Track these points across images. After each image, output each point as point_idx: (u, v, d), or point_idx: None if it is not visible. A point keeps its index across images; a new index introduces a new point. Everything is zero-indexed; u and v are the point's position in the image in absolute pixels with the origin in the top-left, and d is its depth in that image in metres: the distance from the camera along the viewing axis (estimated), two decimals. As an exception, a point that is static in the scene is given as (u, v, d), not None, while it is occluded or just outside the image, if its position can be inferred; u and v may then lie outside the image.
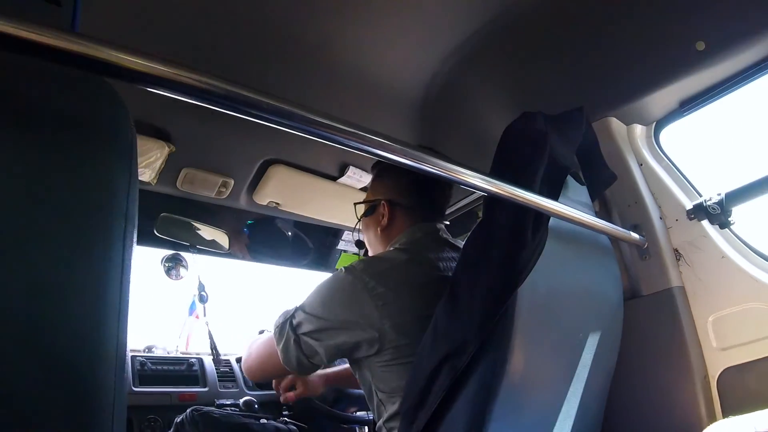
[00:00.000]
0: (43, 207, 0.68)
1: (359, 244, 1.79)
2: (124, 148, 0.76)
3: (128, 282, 0.74)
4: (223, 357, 2.53)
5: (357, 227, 1.73)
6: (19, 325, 0.63)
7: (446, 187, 1.68)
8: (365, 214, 1.69)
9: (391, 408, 1.41)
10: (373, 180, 1.73)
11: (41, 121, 0.68)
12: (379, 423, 1.47)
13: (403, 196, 1.62)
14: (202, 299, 2.30)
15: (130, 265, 0.75)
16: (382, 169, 1.69)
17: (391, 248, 1.58)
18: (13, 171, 0.65)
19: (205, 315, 2.29)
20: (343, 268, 1.46)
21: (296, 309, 1.46)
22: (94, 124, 0.74)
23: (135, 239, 0.76)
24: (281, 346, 1.44)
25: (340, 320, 1.39)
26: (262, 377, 1.68)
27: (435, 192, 1.66)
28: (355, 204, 1.73)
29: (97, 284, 0.70)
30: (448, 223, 1.72)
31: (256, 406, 2.00)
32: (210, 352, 2.37)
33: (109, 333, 0.70)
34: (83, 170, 0.72)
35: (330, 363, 1.45)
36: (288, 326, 1.44)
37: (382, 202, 1.64)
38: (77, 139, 0.71)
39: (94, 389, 0.69)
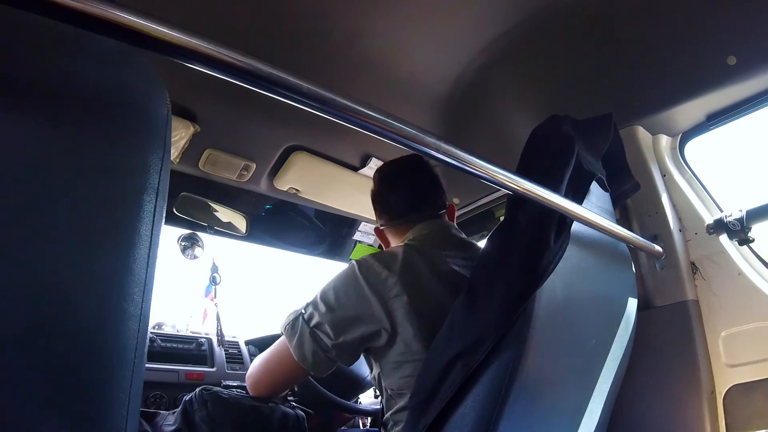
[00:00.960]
0: (78, 179, 0.69)
1: None
2: (159, 125, 0.77)
3: (155, 256, 0.75)
4: (231, 339, 2.56)
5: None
6: (49, 295, 0.65)
7: (422, 179, 1.72)
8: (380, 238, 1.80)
9: (401, 402, 1.42)
10: None
11: (79, 95, 0.69)
12: (387, 415, 1.48)
13: (379, 219, 1.74)
14: (215, 281, 2.31)
15: (158, 240, 0.76)
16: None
17: (402, 243, 1.60)
18: (49, 144, 0.66)
19: (215, 297, 2.30)
20: (354, 261, 1.47)
21: (307, 304, 1.46)
22: (131, 99, 0.75)
23: (164, 215, 0.78)
24: (295, 342, 1.43)
25: (352, 313, 1.40)
26: (271, 387, 1.58)
27: (393, 203, 1.71)
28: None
29: (124, 256, 0.71)
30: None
31: None
32: (216, 333, 2.39)
33: (133, 306, 0.71)
34: (118, 144, 0.73)
35: (340, 359, 1.43)
36: (301, 320, 1.44)
37: (375, 231, 1.78)
38: (113, 113, 0.72)
39: (114, 361, 0.70)
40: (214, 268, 2.28)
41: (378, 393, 1.53)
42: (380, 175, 1.75)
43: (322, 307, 1.42)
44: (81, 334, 0.67)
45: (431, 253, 1.50)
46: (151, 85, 0.78)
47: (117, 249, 0.71)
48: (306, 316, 1.43)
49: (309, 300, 1.47)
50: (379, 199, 1.73)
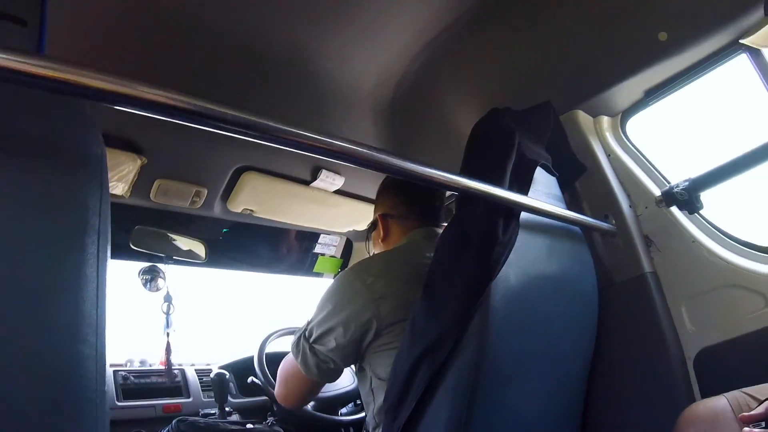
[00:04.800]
0: (17, 228, 0.68)
1: None
2: (94, 166, 0.77)
3: (104, 296, 0.75)
4: (203, 367, 2.55)
5: (367, 248, 1.87)
6: (6, 344, 0.65)
7: (435, 192, 1.76)
8: (369, 232, 1.84)
9: (383, 396, 1.43)
10: (375, 203, 1.83)
11: (10, 144, 0.69)
12: (369, 415, 1.52)
13: (394, 209, 1.73)
14: (168, 310, 2.28)
15: (105, 280, 0.76)
16: (378, 193, 1.81)
17: (393, 246, 1.67)
18: None
19: (168, 327, 2.27)
20: (342, 272, 1.57)
21: (307, 322, 1.53)
22: (63, 144, 0.75)
23: (108, 254, 0.77)
24: (300, 359, 1.50)
25: (343, 317, 1.44)
26: (299, 398, 1.66)
27: (424, 200, 1.73)
28: (368, 227, 1.87)
29: (72, 300, 0.71)
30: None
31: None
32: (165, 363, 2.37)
33: (88, 347, 0.71)
34: (54, 190, 0.73)
35: (344, 362, 1.50)
36: (302, 339, 1.50)
37: (378, 217, 1.75)
38: (47, 160, 0.72)
39: (77, 404, 0.70)
40: (168, 298, 2.25)
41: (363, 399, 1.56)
42: None
43: (317, 322, 1.48)
44: (40, 381, 0.67)
45: (418, 257, 1.54)
46: (83, 127, 0.78)
47: (65, 292, 0.71)
48: (306, 334, 1.50)
49: (309, 317, 1.54)
50: (405, 191, 1.74)
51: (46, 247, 0.71)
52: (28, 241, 0.69)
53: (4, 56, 0.59)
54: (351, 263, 3.02)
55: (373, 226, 1.81)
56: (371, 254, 1.79)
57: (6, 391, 0.64)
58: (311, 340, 1.48)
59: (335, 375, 1.54)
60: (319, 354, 1.47)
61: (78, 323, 0.71)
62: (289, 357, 1.57)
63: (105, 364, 0.74)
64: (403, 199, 1.73)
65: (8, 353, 0.65)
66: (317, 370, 1.48)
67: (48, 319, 0.69)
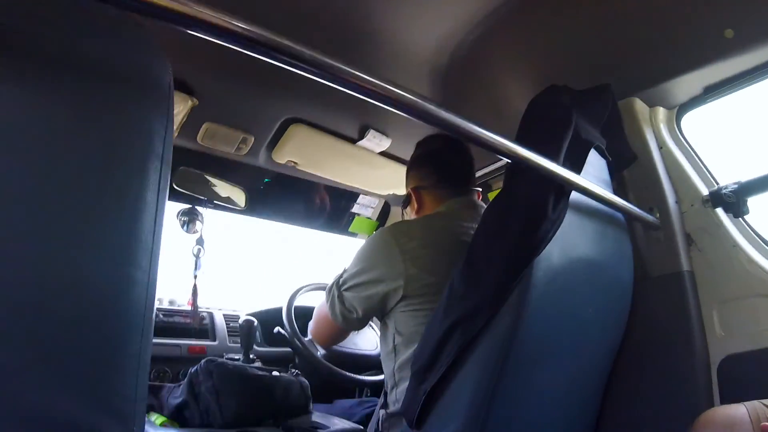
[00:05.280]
0: (82, 147, 0.70)
1: None
2: (162, 95, 0.78)
3: (161, 224, 0.76)
4: (231, 312, 2.60)
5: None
6: (58, 262, 0.66)
7: (462, 153, 1.79)
8: (404, 206, 1.86)
9: (405, 353, 1.49)
10: (406, 178, 1.87)
11: (80, 64, 0.70)
12: (389, 373, 1.57)
13: (425, 180, 1.77)
14: (198, 254, 2.30)
15: (164, 208, 0.77)
16: (408, 168, 1.86)
17: (432, 212, 1.71)
18: (54, 114, 0.67)
19: (197, 269, 2.29)
20: (381, 229, 1.66)
21: (344, 270, 1.62)
22: (134, 69, 0.76)
23: (169, 182, 0.78)
24: (329, 303, 1.62)
25: (374, 274, 1.52)
26: (327, 339, 1.81)
27: (452, 165, 1.76)
28: (402, 202, 1.90)
29: (131, 224, 0.72)
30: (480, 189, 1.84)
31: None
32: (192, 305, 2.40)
33: (141, 273, 0.72)
34: (121, 113, 0.74)
35: (366, 317, 1.58)
36: (335, 285, 1.61)
37: (410, 191, 1.79)
38: (115, 82, 0.73)
39: (124, 328, 0.71)
40: (200, 241, 2.27)
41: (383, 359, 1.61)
42: (443, 140, 1.81)
43: (350, 272, 1.58)
44: (91, 302, 0.68)
45: (455, 224, 1.59)
46: (153, 55, 0.78)
47: (125, 216, 0.72)
48: (340, 282, 1.60)
49: (346, 266, 1.63)
50: (435, 161, 1.78)
51: (110, 168, 0.72)
52: (91, 161, 0.70)
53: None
54: (387, 227, 3.01)
55: (407, 200, 1.82)
56: None
57: (54, 311, 0.65)
58: (342, 288, 1.58)
59: (358, 325, 1.64)
60: (346, 302, 1.57)
61: (134, 248, 0.72)
62: (324, 301, 1.67)
63: (155, 292, 0.75)
64: (432, 169, 1.76)
65: (60, 271, 0.66)
66: (342, 317, 1.59)
67: (104, 240, 0.70)
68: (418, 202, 1.76)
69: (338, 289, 1.59)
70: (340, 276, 1.61)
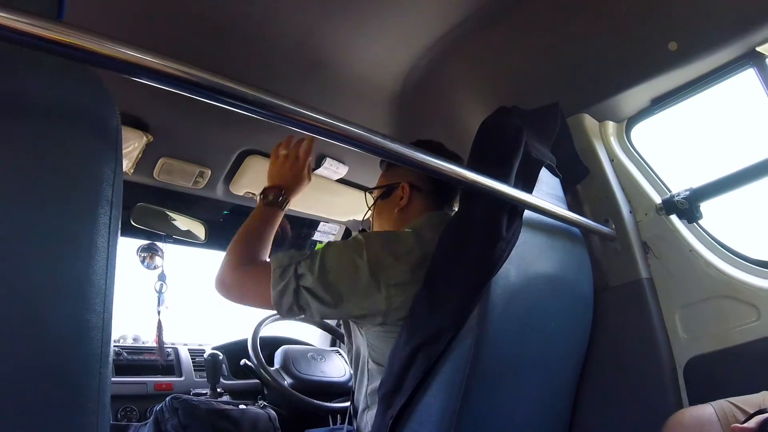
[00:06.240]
0: (30, 194, 0.69)
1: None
2: (110, 137, 0.77)
3: (113, 267, 0.75)
4: (196, 348, 2.56)
5: (367, 215, 1.70)
6: (15, 310, 0.65)
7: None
8: (382, 197, 1.65)
9: (378, 378, 1.38)
10: (390, 166, 1.68)
11: (26, 110, 0.69)
12: (361, 396, 1.46)
13: (423, 181, 1.58)
14: (160, 289, 2.27)
15: (115, 251, 0.76)
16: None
17: (407, 229, 1.49)
18: (4, 157, 0.67)
19: (160, 305, 2.26)
20: (359, 235, 1.39)
21: (305, 257, 1.36)
22: (80, 114, 0.75)
23: (119, 226, 0.78)
24: (278, 288, 1.33)
25: (346, 290, 1.32)
26: (238, 298, 1.44)
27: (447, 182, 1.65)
28: (368, 191, 1.70)
29: (83, 269, 0.71)
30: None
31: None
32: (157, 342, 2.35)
33: (95, 316, 0.72)
34: (69, 158, 0.73)
35: (320, 319, 1.46)
36: (292, 272, 1.34)
37: (402, 184, 1.59)
38: (62, 127, 0.73)
39: (81, 372, 0.70)
40: (162, 277, 2.24)
41: (352, 369, 1.50)
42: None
43: (317, 271, 1.33)
44: (46, 348, 0.67)
45: (433, 239, 1.40)
46: (100, 98, 0.78)
47: (77, 260, 0.71)
48: (300, 272, 1.33)
49: (308, 255, 1.37)
50: (417, 173, 1.55)
51: (59, 215, 0.71)
52: (41, 207, 0.69)
53: (24, 21, 0.59)
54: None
55: (388, 191, 1.63)
56: (372, 221, 1.68)
57: (10, 356, 0.64)
58: (301, 282, 1.33)
59: (294, 318, 1.50)
60: (300, 300, 1.33)
61: (87, 292, 0.71)
62: (265, 269, 1.38)
63: (111, 335, 0.74)
64: (424, 179, 1.58)
65: (14, 318, 0.65)
66: (287, 309, 1.34)
67: (57, 285, 0.69)
68: (409, 200, 1.58)
69: (296, 281, 1.33)
70: (299, 265, 1.35)
